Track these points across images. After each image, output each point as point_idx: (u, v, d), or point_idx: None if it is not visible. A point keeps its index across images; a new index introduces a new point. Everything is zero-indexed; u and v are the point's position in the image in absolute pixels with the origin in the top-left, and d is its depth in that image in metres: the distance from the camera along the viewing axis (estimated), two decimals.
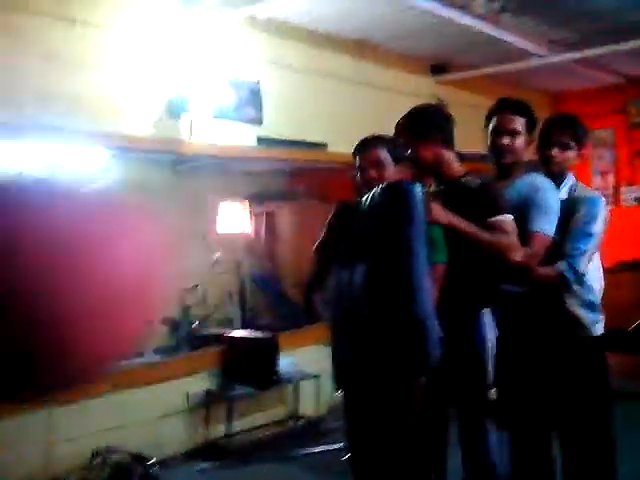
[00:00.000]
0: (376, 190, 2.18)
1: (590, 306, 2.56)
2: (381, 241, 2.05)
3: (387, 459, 2.24)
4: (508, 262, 2.24)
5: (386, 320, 2.00)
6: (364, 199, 2.22)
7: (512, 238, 2.25)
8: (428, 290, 2.02)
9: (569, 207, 2.52)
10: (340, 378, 2.21)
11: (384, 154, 2.33)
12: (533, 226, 2.40)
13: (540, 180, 2.49)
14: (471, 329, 2.31)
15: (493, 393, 2.32)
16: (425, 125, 2.41)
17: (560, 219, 2.46)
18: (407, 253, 2.01)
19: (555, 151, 2.59)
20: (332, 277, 2.23)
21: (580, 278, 2.47)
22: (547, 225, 2.41)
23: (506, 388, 2.36)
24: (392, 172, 2.31)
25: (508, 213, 2.29)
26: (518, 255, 2.24)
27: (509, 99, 2.60)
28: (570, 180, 2.63)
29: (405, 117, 2.48)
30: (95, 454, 3.50)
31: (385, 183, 2.20)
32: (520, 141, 2.51)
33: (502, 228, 2.25)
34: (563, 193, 2.57)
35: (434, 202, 2.26)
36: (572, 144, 2.60)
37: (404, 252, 2.01)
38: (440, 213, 2.19)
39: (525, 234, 2.38)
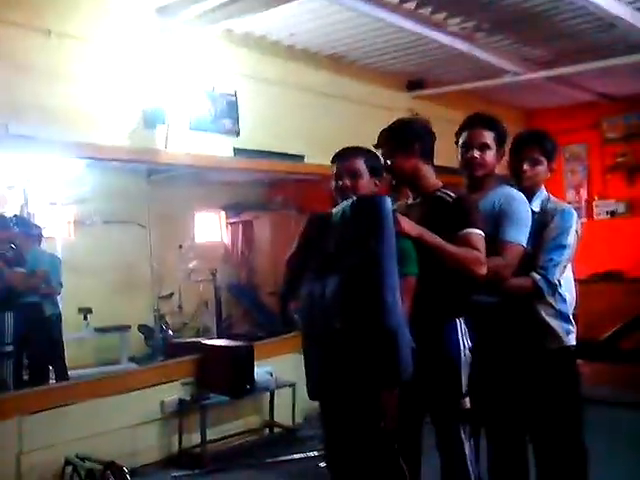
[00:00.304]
0: (347, 203, 2.21)
1: (562, 316, 2.61)
2: (351, 255, 2.08)
3: (363, 468, 2.27)
4: (473, 276, 2.27)
5: (357, 332, 2.02)
6: (335, 211, 2.25)
7: (479, 253, 2.28)
8: (398, 303, 2.04)
9: (542, 219, 2.58)
10: (313, 389, 2.23)
11: (361, 164, 2.36)
12: (506, 236, 2.44)
13: (513, 192, 2.55)
14: (445, 338, 2.34)
15: (467, 402, 2.34)
16: (407, 137, 2.44)
17: (533, 231, 2.51)
18: (377, 267, 2.02)
19: (525, 166, 2.66)
20: (304, 288, 2.24)
21: (554, 288, 2.53)
22: (520, 236, 2.46)
23: (480, 396, 2.39)
24: (366, 183, 2.34)
25: (479, 228, 2.32)
26: (483, 270, 2.27)
27: (478, 114, 2.66)
28: (542, 193, 2.71)
29: (388, 128, 2.50)
30: (67, 463, 3.48)
31: (356, 197, 2.22)
32: (490, 154, 2.56)
33: (470, 242, 2.28)
34: (535, 206, 2.63)
35: (402, 215, 2.29)
36: (541, 159, 2.67)
37: (374, 266, 2.02)
38: (408, 226, 2.22)
39: (498, 244, 2.43)
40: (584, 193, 7.45)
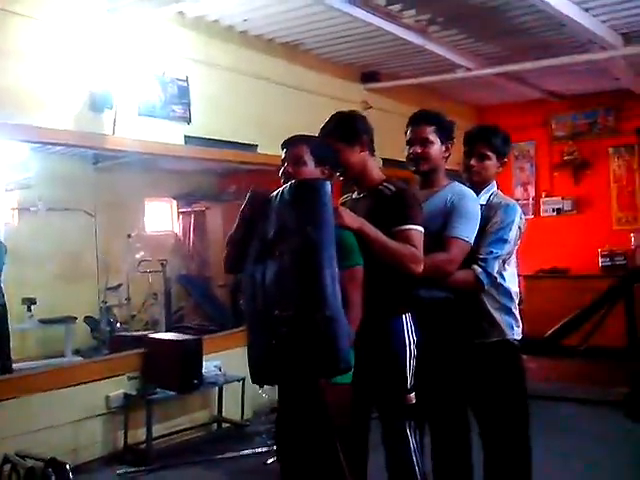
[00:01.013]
0: (286, 187, 2.17)
1: (505, 309, 2.65)
2: (290, 240, 2.05)
3: (307, 457, 2.26)
4: (409, 273, 2.28)
5: (296, 320, 2.00)
6: (274, 194, 2.21)
7: (416, 250, 2.29)
8: (337, 291, 2.00)
9: (486, 213, 2.61)
10: (254, 372, 2.21)
11: (306, 152, 2.32)
12: (453, 232, 2.46)
13: (464, 189, 2.58)
14: (390, 333, 2.34)
15: (413, 397, 2.35)
16: (354, 130, 2.44)
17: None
18: (315, 254, 1.98)
19: (473, 161, 2.70)
20: (245, 270, 2.20)
21: (494, 281, 2.55)
22: (467, 232, 2.48)
23: (424, 391, 2.40)
24: (310, 171, 2.30)
25: (418, 224, 2.33)
26: (419, 267, 2.27)
27: (421, 111, 2.69)
28: (492, 188, 2.74)
29: (334, 121, 2.49)
30: (5, 461, 3.35)
31: (295, 180, 2.19)
32: (434, 149, 2.58)
33: (408, 238, 2.28)
34: (483, 200, 2.67)
35: (348, 209, 2.31)
36: (489, 154, 2.70)
37: (312, 253, 1.99)
38: (348, 218, 2.22)
39: (444, 240, 2.45)
40: (532, 190, 7.61)
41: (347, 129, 2.44)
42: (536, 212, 7.50)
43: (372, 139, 2.48)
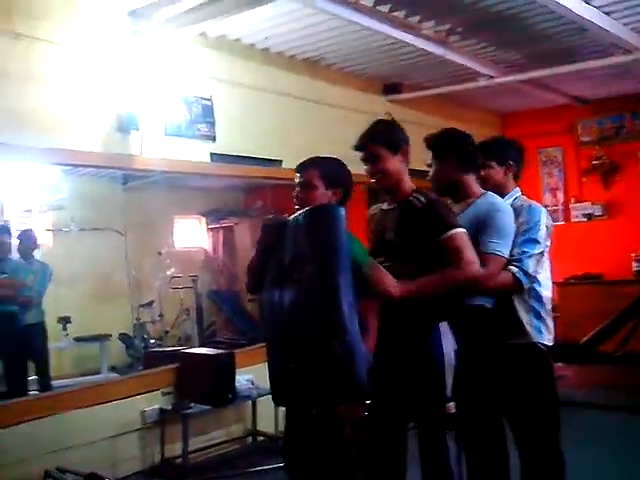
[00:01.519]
0: (301, 213, 2.21)
1: (534, 313, 2.64)
2: (306, 265, 2.06)
3: (317, 472, 2.28)
4: (474, 283, 2.29)
5: (314, 345, 2.01)
6: (290, 219, 2.25)
7: (464, 255, 2.27)
8: (353, 316, 2.02)
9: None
10: (274, 395, 2.24)
11: (315, 176, 2.35)
12: (489, 248, 2.45)
13: (496, 202, 2.57)
14: (428, 343, 2.33)
15: (452, 407, 2.33)
16: (398, 139, 2.44)
17: None
18: (331, 279, 2.00)
19: (482, 171, 2.75)
20: (264, 295, 2.24)
21: (531, 278, 2.55)
22: (503, 248, 2.47)
23: (464, 401, 2.38)
24: (321, 195, 2.33)
25: (457, 227, 2.31)
26: (474, 269, 2.27)
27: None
28: (516, 193, 2.78)
29: (379, 127, 2.48)
30: (47, 475, 3.42)
31: (309, 206, 2.22)
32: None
33: (453, 245, 2.27)
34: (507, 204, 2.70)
35: (379, 220, 2.34)
36: (490, 163, 2.75)
37: (328, 278, 2.01)
38: (395, 290, 2.21)
39: (482, 255, 2.41)
40: (561, 196, 7.53)
41: (391, 136, 2.44)
42: (566, 218, 7.42)
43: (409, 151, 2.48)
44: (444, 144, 2.65)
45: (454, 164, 2.60)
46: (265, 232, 2.35)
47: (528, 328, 2.61)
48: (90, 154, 3.94)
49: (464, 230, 2.32)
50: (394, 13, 4.26)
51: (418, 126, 5.88)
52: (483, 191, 2.63)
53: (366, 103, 5.76)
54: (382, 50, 5.02)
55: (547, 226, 2.66)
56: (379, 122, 2.51)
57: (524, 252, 2.53)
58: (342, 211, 2.13)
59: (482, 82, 5.64)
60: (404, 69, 5.58)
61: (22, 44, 3.60)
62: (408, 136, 2.49)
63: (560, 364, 4.36)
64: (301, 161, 2.43)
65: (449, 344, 2.35)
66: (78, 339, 6.24)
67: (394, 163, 2.40)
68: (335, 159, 2.48)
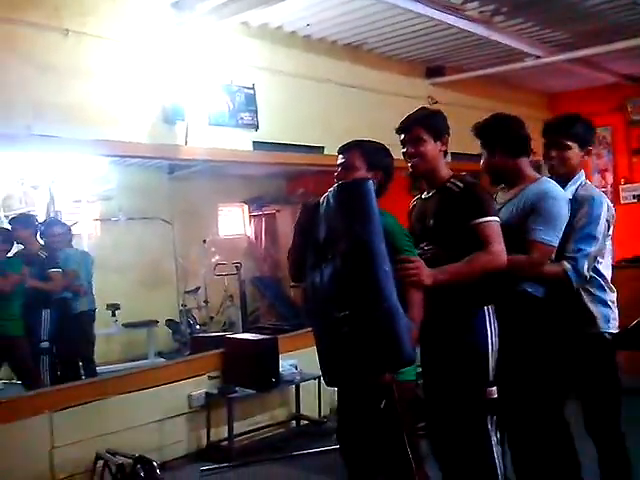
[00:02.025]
0: (330, 191, 2.21)
1: (600, 301, 2.61)
2: (340, 242, 2.07)
3: (371, 455, 2.29)
4: (499, 270, 2.26)
5: (356, 319, 2.03)
6: (321, 200, 2.25)
7: (493, 245, 2.25)
8: (391, 286, 2.02)
9: (573, 207, 2.54)
10: (325, 376, 2.25)
11: (359, 158, 2.36)
12: (535, 235, 2.41)
13: (547, 188, 2.50)
14: (472, 326, 2.33)
15: (494, 391, 2.31)
16: (441, 126, 2.46)
17: None
18: (366, 251, 2.01)
19: (553, 152, 2.66)
20: (307, 278, 2.25)
21: (583, 279, 2.51)
22: (550, 235, 2.42)
23: (509, 386, 2.37)
24: (361, 176, 2.32)
25: (492, 215, 2.30)
26: (500, 262, 2.26)
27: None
28: (579, 180, 2.67)
29: (424, 112, 2.52)
30: (98, 457, 3.53)
31: (339, 183, 2.23)
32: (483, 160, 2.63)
33: (483, 233, 2.26)
34: (569, 192, 2.61)
35: (419, 209, 2.36)
36: (569, 143, 2.64)
37: (363, 251, 2.01)
38: (425, 278, 2.19)
39: (529, 243, 2.42)
40: (610, 177, 7.31)
41: (436, 123, 2.45)
42: (615, 200, 7.20)
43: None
44: (490, 133, 2.61)
45: (502, 152, 2.56)
46: (301, 213, 2.37)
47: (597, 317, 2.59)
48: (137, 145, 4.02)
49: (497, 220, 2.31)
50: None
51: (462, 108, 5.84)
52: (538, 176, 2.58)
53: (408, 87, 5.70)
54: (425, 33, 4.94)
55: (608, 220, 2.59)
56: (424, 108, 2.55)
57: (580, 250, 2.49)
58: (370, 184, 2.13)
59: (529, 62, 5.49)
60: (447, 51, 5.48)
61: (71, 40, 3.68)
62: (449, 126, 2.49)
63: None
64: (344, 143, 2.43)
65: (494, 328, 2.34)
66: (126, 325, 6.41)
67: (434, 149, 2.41)
68: (377, 143, 2.48)
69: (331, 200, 2.18)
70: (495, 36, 4.84)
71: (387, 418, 2.18)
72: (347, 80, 5.20)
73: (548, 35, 5.17)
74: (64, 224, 5.34)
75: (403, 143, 2.45)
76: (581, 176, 2.68)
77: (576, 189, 2.63)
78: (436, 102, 5.74)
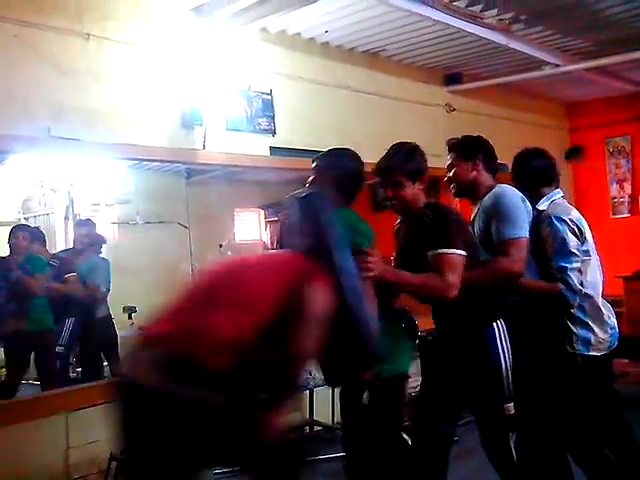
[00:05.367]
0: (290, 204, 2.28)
1: (582, 324, 2.58)
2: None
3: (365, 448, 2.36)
4: (444, 301, 2.27)
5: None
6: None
7: (448, 276, 2.24)
8: (358, 286, 2.02)
9: (536, 224, 2.60)
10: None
11: (320, 167, 2.53)
12: (501, 236, 2.44)
13: (501, 189, 2.54)
14: (484, 343, 2.33)
15: (511, 407, 2.32)
16: (419, 167, 2.47)
17: (532, 231, 2.52)
18: (328, 257, 2.01)
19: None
20: None
21: (578, 293, 2.53)
22: (516, 230, 2.43)
23: (521, 402, 2.37)
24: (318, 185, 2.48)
25: (454, 247, 2.29)
26: (452, 292, 2.24)
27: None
28: (554, 196, 2.74)
29: (402, 156, 2.47)
30: (112, 458, 3.55)
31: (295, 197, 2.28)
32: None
33: (439, 262, 2.28)
34: (543, 206, 2.69)
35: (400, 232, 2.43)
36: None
37: (326, 257, 2.00)
38: (377, 269, 2.21)
39: (499, 245, 2.43)
40: (628, 188, 7.24)
41: (413, 165, 2.44)
42: (634, 210, 7.14)
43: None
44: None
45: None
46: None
47: (574, 338, 2.57)
48: (156, 149, 4.06)
49: (459, 252, 2.29)
50: (455, 3, 4.19)
51: (480, 116, 5.84)
52: (490, 187, 2.60)
53: (426, 94, 5.70)
54: (443, 40, 4.95)
55: (575, 230, 2.60)
56: (400, 146, 2.50)
57: (562, 267, 2.51)
58: (324, 195, 2.17)
59: (547, 71, 5.48)
60: (465, 59, 5.49)
61: (92, 44, 3.74)
62: (427, 163, 2.50)
63: (626, 360, 4.20)
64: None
65: (506, 343, 2.34)
66: (143, 328, 6.43)
67: (412, 191, 2.42)
68: (342, 149, 2.58)
69: (293, 213, 2.22)
70: (514, 44, 4.84)
71: (373, 414, 2.20)
72: (365, 87, 5.22)
73: (567, 43, 5.16)
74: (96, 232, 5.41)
75: (381, 185, 2.46)
76: (555, 194, 2.75)
77: (549, 204, 2.68)
78: (454, 110, 5.74)
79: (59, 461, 3.57)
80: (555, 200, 2.72)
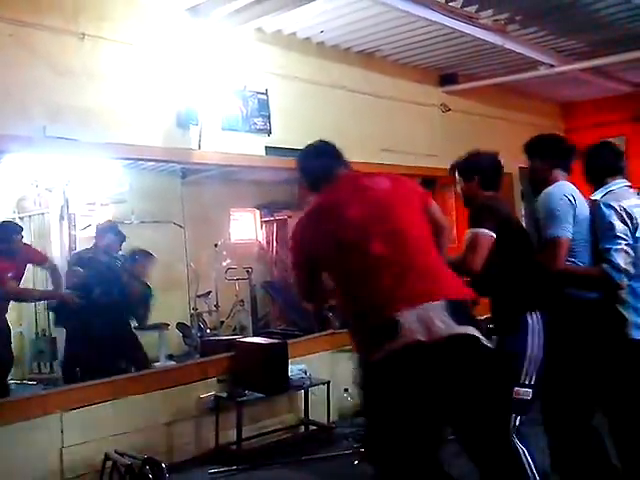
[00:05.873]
0: None
1: (634, 309, 2.64)
2: None
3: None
4: (464, 274, 2.46)
5: None
6: None
7: (469, 253, 2.52)
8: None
9: (591, 213, 2.73)
10: None
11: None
12: (544, 235, 2.64)
13: (546, 190, 2.72)
14: (513, 327, 2.48)
15: (523, 392, 2.42)
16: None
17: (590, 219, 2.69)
18: None
19: None
20: None
21: (623, 272, 2.58)
22: (553, 229, 2.61)
23: (551, 389, 2.51)
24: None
25: (480, 227, 2.56)
26: (465, 267, 2.49)
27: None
28: (610, 187, 2.80)
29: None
30: (107, 458, 3.56)
31: None
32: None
33: (466, 240, 2.57)
34: (598, 195, 2.81)
35: None
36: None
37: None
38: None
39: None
40: None
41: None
42: None
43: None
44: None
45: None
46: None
47: (628, 324, 2.63)
48: (151, 148, 4.06)
49: (483, 232, 2.54)
50: (451, 3, 4.20)
51: (475, 116, 5.85)
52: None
53: (421, 94, 5.71)
54: (438, 40, 4.96)
55: (624, 219, 2.66)
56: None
57: (607, 249, 2.60)
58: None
59: (542, 71, 5.50)
60: (461, 59, 5.50)
61: (88, 44, 3.74)
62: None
63: None
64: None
65: (536, 334, 2.46)
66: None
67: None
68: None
69: None
70: (509, 44, 4.85)
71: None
72: (360, 87, 5.23)
73: (562, 44, 5.17)
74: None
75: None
76: (610, 185, 2.81)
77: (603, 195, 2.77)
78: (449, 110, 5.75)
79: (53, 460, 3.56)
80: (613, 190, 2.78)
